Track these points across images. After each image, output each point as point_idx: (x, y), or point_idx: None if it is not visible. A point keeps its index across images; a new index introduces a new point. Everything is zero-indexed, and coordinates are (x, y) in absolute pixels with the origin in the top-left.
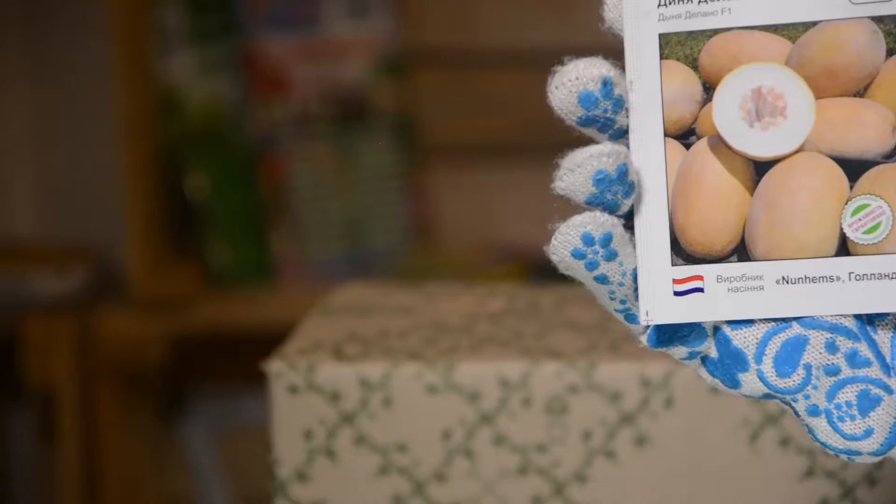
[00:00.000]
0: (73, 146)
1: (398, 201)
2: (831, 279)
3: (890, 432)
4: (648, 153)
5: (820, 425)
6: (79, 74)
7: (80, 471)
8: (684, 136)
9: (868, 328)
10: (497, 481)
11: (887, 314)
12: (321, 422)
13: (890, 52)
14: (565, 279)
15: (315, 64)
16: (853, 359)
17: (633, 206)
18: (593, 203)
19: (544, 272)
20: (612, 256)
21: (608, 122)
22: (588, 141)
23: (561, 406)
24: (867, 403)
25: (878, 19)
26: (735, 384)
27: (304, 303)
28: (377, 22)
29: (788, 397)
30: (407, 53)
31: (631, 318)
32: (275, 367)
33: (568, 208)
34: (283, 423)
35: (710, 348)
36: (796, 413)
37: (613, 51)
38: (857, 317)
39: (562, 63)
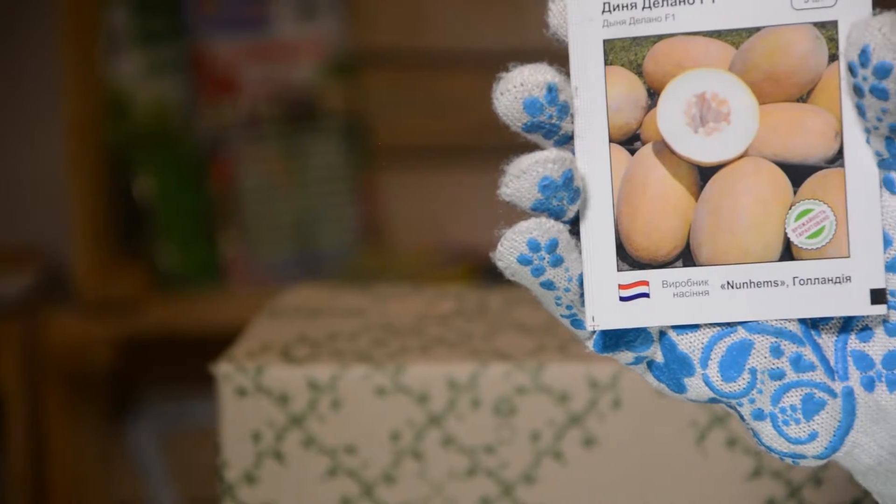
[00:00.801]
0: (21, 147)
1: (347, 203)
2: (775, 284)
3: (834, 436)
4: (593, 159)
5: (765, 429)
6: (26, 75)
7: (29, 474)
8: (629, 141)
9: (812, 332)
10: (446, 482)
11: (831, 318)
12: (269, 424)
13: (832, 58)
14: (518, 283)
15: (264, 65)
16: (798, 363)
17: (578, 211)
18: (539, 209)
19: (494, 273)
20: (557, 262)
21: (553, 129)
22: (533, 147)
23: (509, 407)
24: (811, 407)
25: (820, 25)
26: (681, 389)
27: (253, 304)
28: (326, 23)
29: (734, 401)
30: (356, 54)
31: (577, 323)
32: (222, 369)
33: (514, 214)
34: (231, 425)
35: (656, 353)
36: (741, 417)
37: (561, 53)
38: (802, 321)
39: (507, 69)
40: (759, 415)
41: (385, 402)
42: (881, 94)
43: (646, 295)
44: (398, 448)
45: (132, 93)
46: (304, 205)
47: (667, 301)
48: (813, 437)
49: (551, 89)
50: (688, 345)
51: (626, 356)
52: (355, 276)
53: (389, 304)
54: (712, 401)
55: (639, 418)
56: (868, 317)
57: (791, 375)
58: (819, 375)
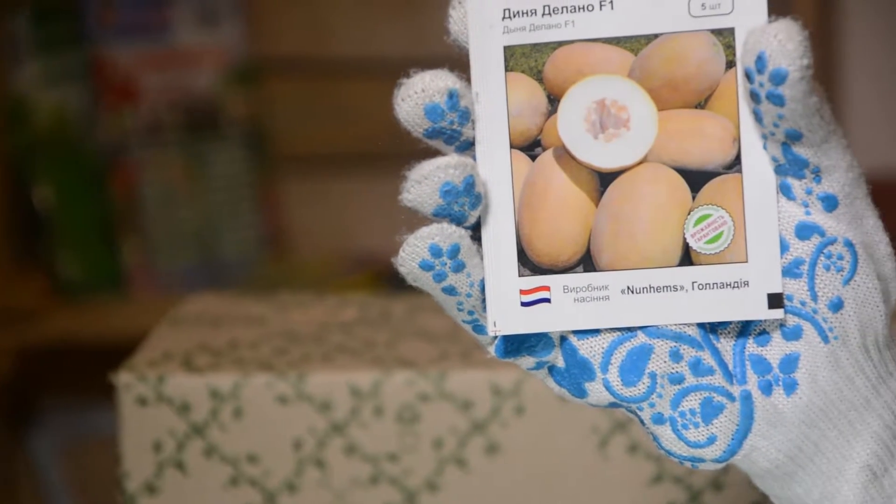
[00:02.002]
0: None
1: (250, 211)
2: (675, 289)
3: (732, 439)
4: (495, 165)
5: (665, 433)
6: None
7: None
8: (530, 147)
9: (711, 336)
10: (348, 491)
11: (729, 322)
12: (171, 433)
13: (729, 65)
14: (417, 288)
15: (165, 72)
16: (697, 367)
17: (480, 217)
18: (440, 215)
19: (397, 281)
20: (459, 268)
21: (454, 134)
22: (435, 153)
23: (412, 415)
24: (710, 411)
25: (717, 32)
26: (582, 393)
27: (155, 313)
28: (228, 31)
29: (634, 406)
30: (258, 62)
31: (479, 328)
32: (123, 378)
33: (416, 220)
34: (132, 435)
35: (557, 358)
36: (642, 421)
37: (462, 60)
38: (701, 325)
39: (408, 75)
40: (658, 419)
41: (287, 411)
42: (777, 101)
43: (547, 300)
44: (301, 456)
45: (32, 100)
46: (206, 213)
47: (568, 306)
48: (712, 440)
49: (452, 95)
50: (588, 349)
51: (528, 361)
52: (258, 285)
53: (291, 313)
54: (613, 405)
55: (541, 425)
56: (765, 321)
57: (690, 379)
58: (718, 379)
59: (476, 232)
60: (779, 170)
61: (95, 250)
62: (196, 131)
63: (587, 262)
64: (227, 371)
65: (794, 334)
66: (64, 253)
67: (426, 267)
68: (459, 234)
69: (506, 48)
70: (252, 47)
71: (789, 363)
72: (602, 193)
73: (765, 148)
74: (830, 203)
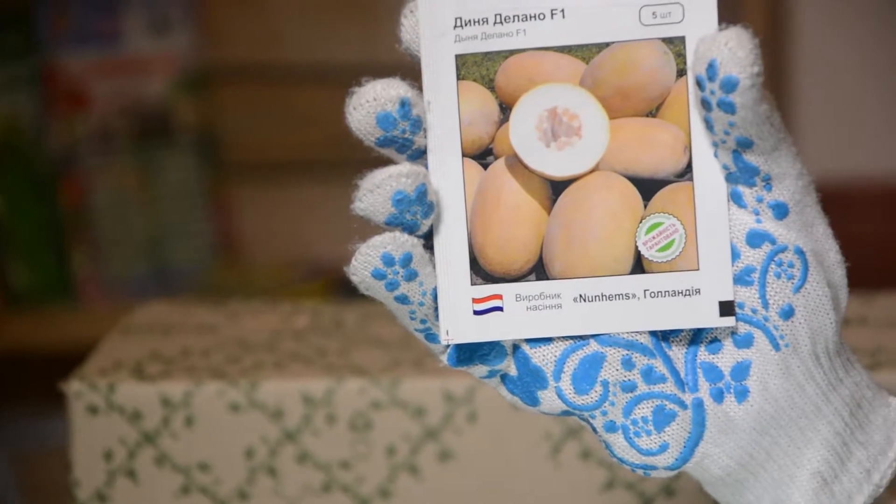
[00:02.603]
0: None
1: (202, 218)
2: (627, 297)
3: (684, 447)
4: (447, 173)
5: (617, 441)
6: None
7: None
8: (482, 155)
9: (663, 344)
10: (301, 499)
11: (681, 330)
12: (122, 442)
13: (680, 73)
14: (370, 297)
15: (116, 80)
16: (649, 375)
17: (432, 226)
18: (393, 223)
19: (349, 289)
20: (412, 276)
21: (406, 143)
22: (387, 161)
23: (365, 422)
24: (662, 419)
25: (668, 40)
26: (534, 402)
27: (106, 322)
28: (179, 38)
29: (586, 414)
30: (209, 69)
31: (431, 337)
32: (74, 387)
33: (368, 228)
34: (83, 443)
35: (510, 366)
36: (594, 429)
37: (415, 68)
38: (653, 333)
39: (359, 84)
40: (611, 427)
41: (239, 419)
42: (728, 108)
43: (499, 308)
44: (253, 464)
45: None
46: (157, 220)
47: (520, 314)
48: (664, 448)
49: (404, 104)
50: (541, 358)
51: (480, 370)
52: (210, 293)
53: (243, 320)
54: (565, 413)
55: (494, 432)
56: (717, 329)
57: (642, 387)
58: (669, 387)
59: (428, 241)
60: (730, 178)
61: (46, 259)
62: (147, 139)
63: (539, 270)
64: (178, 379)
65: (745, 342)
66: (14, 261)
67: (378, 276)
68: (412, 243)
69: (457, 56)
70: (203, 54)
71: (741, 371)
72: (554, 202)
73: (716, 156)
74: (781, 211)
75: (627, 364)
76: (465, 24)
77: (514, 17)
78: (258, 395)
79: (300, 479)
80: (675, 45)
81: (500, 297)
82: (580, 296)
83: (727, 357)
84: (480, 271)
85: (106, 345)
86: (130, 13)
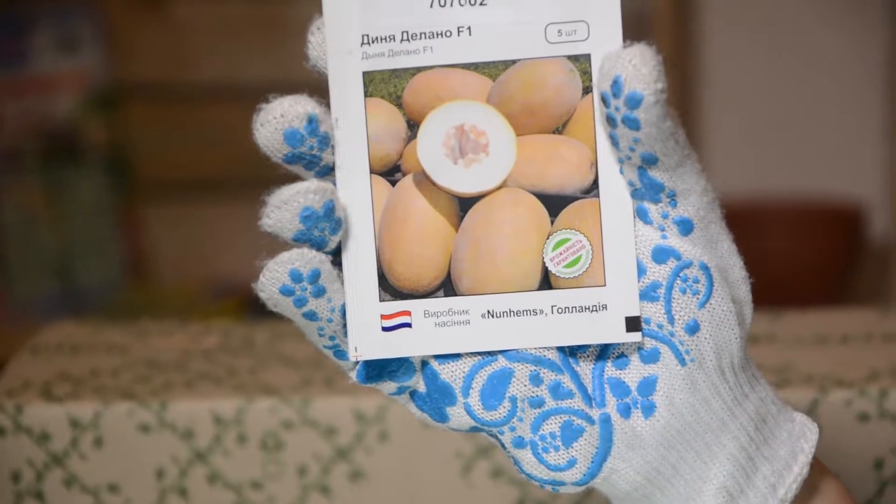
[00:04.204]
0: None
1: (112, 237)
2: (534, 313)
3: (592, 462)
4: (355, 190)
5: (525, 457)
6: None
7: None
8: (390, 172)
9: (571, 360)
10: None
11: (589, 346)
12: (30, 463)
13: (586, 90)
14: (279, 315)
15: (24, 99)
16: (556, 390)
17: (340, 242)
18: (301, 240)
19: (262, 307)
20: (320, 293)
21: (314, 160)
22: (295, 178)
23: (276, 442)
24: (570, 434)
25: (573, 58)
26: (443, 418)
27: (14, 341)
28: (87, 57)
29: (495, 430)
30: (118, 88)
31: (340, 354)
32: None
33: (276, 245)
34: None
35: (419, 383)
36: (503, 445)
37: (323, 85)
38: (561, 349)
39: (267, 100)
40: (519, 442)
41: (149, 439)
42: (633, 125)
43: (408, 325)
44: (163, 485)
45: None
46: (66, 239)
47: (429, 331)
48: (572, 463)
49: (311, 120)
50: (449, 374)
51: (389, 386)
52: (120, 312)
53: (153, 340)
54: (474, 429)
55: (406, 451)
56: (624, 344)
57: (550, 403)
58: (577, 403)
59: (337, 257)
60: (635, 194)
61: None
62: (56, 158)
63: (448, 286)
64: (87, 399)
65: (651, 357)
66: None
67: (286, 292)
68: (320, 259)
69: (365, 74)
70: (112, 73)
71: (647, 386)
72: (462, 218)
73: (622, 172)
74: (686, 227)
75: (535, 380)
76: (372, 42)
77: (420, 34)
78: (168, 415)
79: (211, 500)
80: (581, 62)
81: (408, 313)
82: (488, 312)
83: (634, 372)
84: (389, 287)
85: (13, 365)
86: (38, 32)
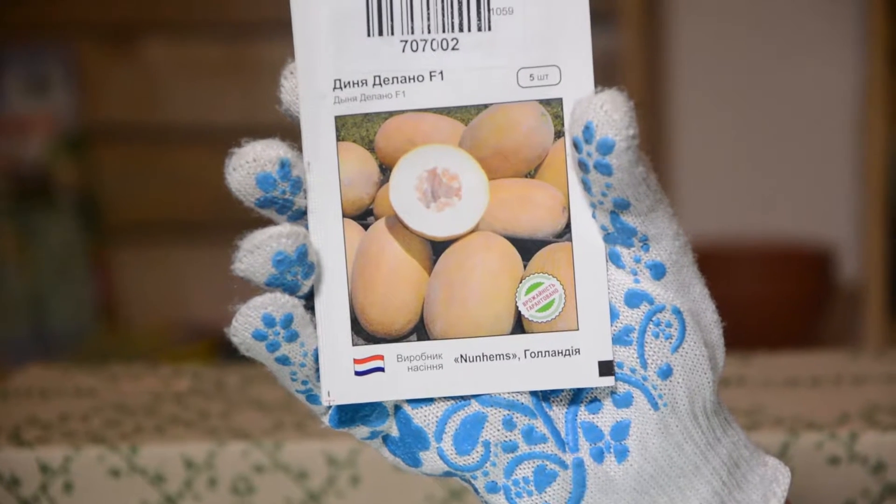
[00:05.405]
0: None
1: (82, 280)
2: (507, 357)
3: None
4: (327, 234)
5: (499, 501)
6: None
7: None
8: (363, 216)
9: (544, 404)
10: None
11: (562, 390)
12: None
13: (558, 135)
14: (251, 358)
15: None
16: (530, 435)
17: (313, 286)
18: (273, 284)
19: (232, 350)
20: (293, 337)
21: (287, 204)
22: (267, 222)
23: (247, 486)
24: (543, 479)
25: (545, 102)
26: (416, 462)
27: None
28: (58, 99)
29: (468, 474)
30: (89, 130)
31: (313, 398)
32: None
33: (249, 289)
34: None
35: (392, 427)
36: (476, 490)
37: (295, 129)
38: (534, 393)
39: (239, 144)
40: (492, 487)
41: (119, 484)
42: (605, 170)
43: (381, 369)
44: None
45: None
46: (36, 282)
47: (402, 375)
48: None
49: (284, 165)
50: (423, 418)
51: (362, 431)
52: (91, 355)
53: (123, 384)
54: (447, 474)
55: (377, 495)
56: (597, 388)
57: (523, 447)
58: (550, 447)
59: (309, 301)
60: (608, 238)
61: None
62: (26, 200)
63: (421, 330)
64: (57, 444)
65: (624, 401)
66: None
67: (259, 337)
68: (293, 304)
69: (337, 118)
70: (83, 114)
71: (620, 430)
72: (435, 262)
73: (594, 217)
74: (658, 271)
75: (508, 424)
76: (345, 86)
77: (392, 78)
78: (139, 459)
79: None
80: (553, 106)
81: (381, 357)
82: (461, 356)
83: (607, 416)
84: (362, 332)
85: None
86: (8, 73)
